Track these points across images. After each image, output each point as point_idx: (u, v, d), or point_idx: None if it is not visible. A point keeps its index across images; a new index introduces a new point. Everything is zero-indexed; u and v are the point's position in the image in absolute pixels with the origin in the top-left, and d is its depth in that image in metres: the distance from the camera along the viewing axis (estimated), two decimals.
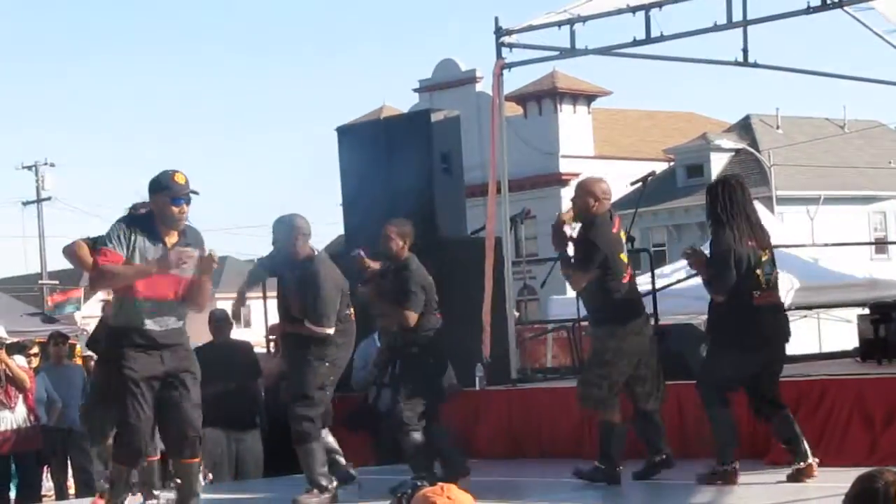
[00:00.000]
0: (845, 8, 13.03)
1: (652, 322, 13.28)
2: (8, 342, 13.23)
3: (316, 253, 8.96)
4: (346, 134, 13.51)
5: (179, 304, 7.70)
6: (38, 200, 47.39)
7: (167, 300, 7.63)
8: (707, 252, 9.12)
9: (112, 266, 7.59)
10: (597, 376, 9.11)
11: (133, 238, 7.61)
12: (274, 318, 10.47)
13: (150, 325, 7.58)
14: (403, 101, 52.90)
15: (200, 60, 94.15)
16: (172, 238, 7.68)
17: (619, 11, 12.33)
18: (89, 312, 40.47)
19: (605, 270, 9.13)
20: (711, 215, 8.92)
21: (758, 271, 8.84)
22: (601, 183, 9.31)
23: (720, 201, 8.87)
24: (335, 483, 8.77)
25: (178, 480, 7.70)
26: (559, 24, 12.56)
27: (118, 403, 7.60)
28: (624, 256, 9.34)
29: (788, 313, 17.90)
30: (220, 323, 11.55)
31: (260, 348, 13.74)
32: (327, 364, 8.82)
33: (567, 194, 40.69)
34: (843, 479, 3.76)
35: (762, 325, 8.86)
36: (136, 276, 7.55)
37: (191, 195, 7.66)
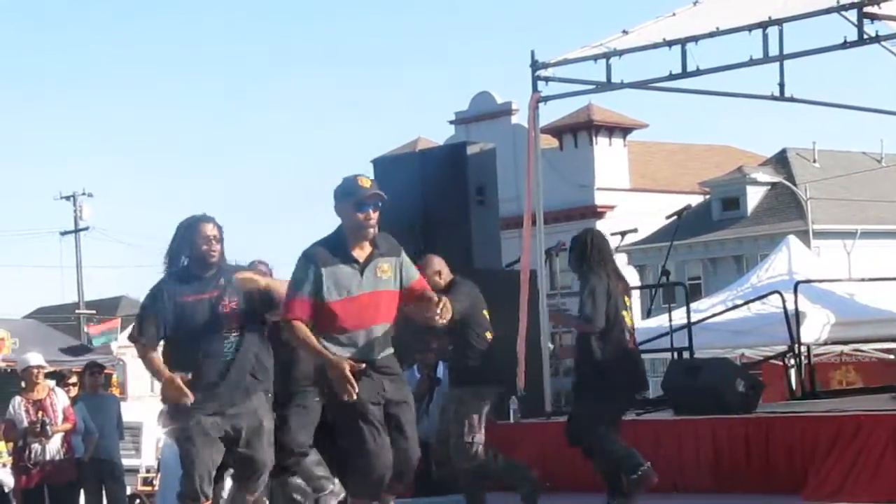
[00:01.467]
0: (882, 43, 13.01)
1: (685, 355, 13.30)
2: (47, 371, 13.32)
3: None
4: (382, 166, 13.55)
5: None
6: (76, 230, 47.63)
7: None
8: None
9: (300, 330, 7.05)
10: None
11: (317, 272, 7.02)
12: None
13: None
14: (439, 133, 53.03)
15: (238, 93, 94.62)
16: (364, 251, 7.11)
17: (655, 45, 12.36)
18: (125, 342, 40.61)
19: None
20: (582, 261, 9.24)
21: (624, 313, 9.26)
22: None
23: (588, 249, 9.24)
24: None
25: None
26: (595, 57, 12.59)
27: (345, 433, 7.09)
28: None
29: (826, 347, 17.86)
30: None
31: None
32: None
33: (603, 226, 40.68)
34: None
35: (638, 366, 9.46)
36: (312, 352, 7.11)
37: (378, 200, 7.14)
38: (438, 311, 7.08)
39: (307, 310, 7.00)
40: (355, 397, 6.83)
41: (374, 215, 7.07)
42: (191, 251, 7.56)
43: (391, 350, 7.19)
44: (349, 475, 7.13)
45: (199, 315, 7.47)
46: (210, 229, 7.57)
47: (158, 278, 7.63)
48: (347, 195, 7.08)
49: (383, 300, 7.09)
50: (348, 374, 6.78)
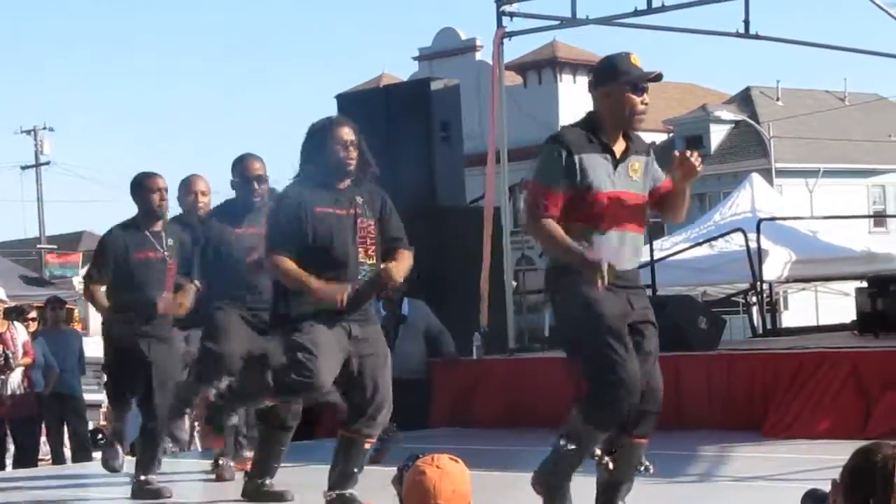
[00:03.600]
0: None
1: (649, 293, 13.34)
2: (7, 306, 13.25)
3: None
4: (346, 101, 13.49)
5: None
6: (37, 165, 47.28)
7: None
8: None
9: (553, 229, 5.79)
10: None
11: (570, 159, 5.79)
12: None
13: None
14: (403, 69, 52.71)
15: (199, 29, 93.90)
16: (620, 145, 5.98)
17: None
18: None
19: None
20: None
21: None
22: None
23: None
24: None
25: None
26: None
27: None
28: None
29: (787, 285, 17.96)
30: None
31: None
32: None
33: None
34: (837, 451, 3.76)
35: None
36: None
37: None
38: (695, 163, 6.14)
39: (559, 206, 5.82)
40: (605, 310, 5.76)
41: (647, 101, 6.04)
42: (326, 160, 6.71)
43: (639, 263, 6.24)
44: (588, 400, 5.93)
45: (337, 229, 6.66)
46: (346, 133, 6.75)
47: (285, 185, 6.89)
48: (619, 74, 5.90)
49: (633, 203, 6.01)
50: (605, 274, 5.63)
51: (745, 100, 48.34)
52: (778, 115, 46.05)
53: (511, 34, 12.61)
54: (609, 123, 5.96)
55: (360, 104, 13.31)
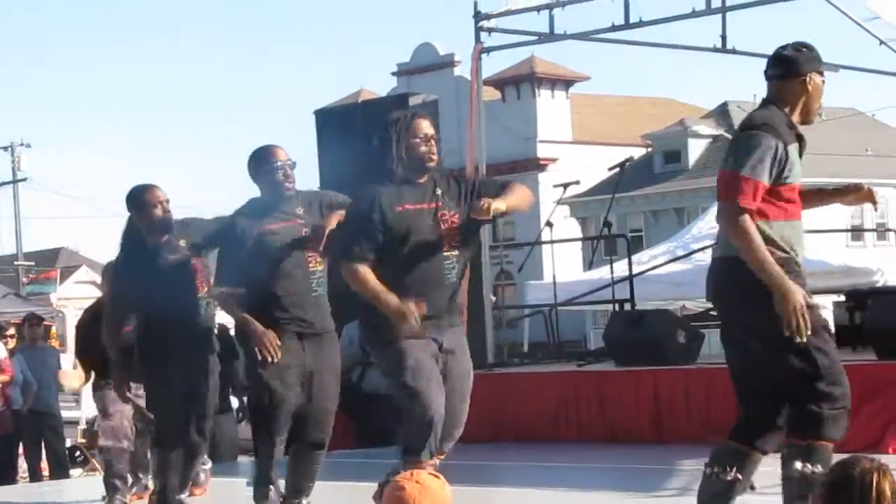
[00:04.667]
0: None
1: (627, 307, 13.36)
2: None
3: None
4: (325, 117, 13.49)
5: None
6: (14, 181, 47.14)
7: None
8: None
9: (749, 224, 5.60)
10: None
11: (777, 151, 5.67)
12: None
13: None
14: (381, 85, 52.81)
15: (176, 45, 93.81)
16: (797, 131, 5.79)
17: None
18: (65, 294, 40.34)
19: None
20: None
21: None
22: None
23: None
24: None
25: None
26: (538, 8, 12.58)
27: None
28: None
29: None
30: None
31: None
32: None
33: (545, 179, 40.79)
34: None
35: None
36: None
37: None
38: None
39: (759, 198, 5.66)
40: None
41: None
42: (405, 155, 6.36)
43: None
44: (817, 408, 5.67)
45: (419, 227, 6.26)
46: (426, 126, 6.44)
47: (366, 188, 6.46)
48: (820, 61, 5.81)
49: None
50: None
51: (722, 114, 48.51)
52: None
53: (489, 49, 12.64)
54: (801, 111, 5.87)
55: (338, 120, 13.31)
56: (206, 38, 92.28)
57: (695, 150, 46.81)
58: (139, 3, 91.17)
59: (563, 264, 16.08)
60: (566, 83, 50.52)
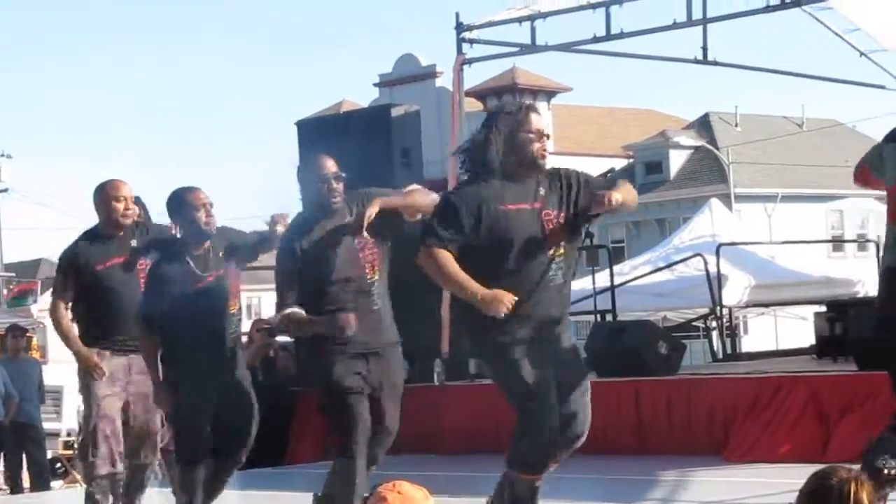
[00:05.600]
0: (804, 7, 13.11)
1: (608, 318, 13.38)
2: None
3: None
4: (307, 128, 13.48)
5: None
6: None
7: None
8: None
9: None
10: None
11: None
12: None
13: None
14: (363, 95, 52.81)
15: (157, 56, 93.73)
16: None
17: (580, 8, 12.40)
18: (46, 305, 40.20)
19: None
20: None
21: None
22: None
23: None
24: None
25: None
26: (520, 20, 12.62)
27: None
28: None
29: (747, 310, 18.05)
30: None
31: None
32: None
33: None
34: (796, 475, 3.79)
35: None
36: None
37: None
38: None
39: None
40: None
41: None
42: (515, 151, 5.97)
43: None
44: None
45: (522, 228, 5.94)
46: (539, 121, 6.05)
47: (463, 180, 6.12)
48: None
49: None
50: None
51: (704, 125, 48.60)
52: (737, 140, 46.32)
53: (471, 60, 12.68)
54: None
55: (320, 130, 13.30)
56: (186, 50, 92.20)
57: (676, 160, 46.89)
58: (118, 12, 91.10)
59: None
60: (548, 94, 50.56)
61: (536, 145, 5.94)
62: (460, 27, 12.55)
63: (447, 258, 5.84)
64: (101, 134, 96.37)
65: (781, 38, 71.97)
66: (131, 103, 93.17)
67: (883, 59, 15.46)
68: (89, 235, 7.44)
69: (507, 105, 6.10)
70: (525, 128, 5.92)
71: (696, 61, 13.28)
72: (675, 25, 12.24)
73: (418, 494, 4.00)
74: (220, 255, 7.04)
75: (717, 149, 45.45)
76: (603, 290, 13.47)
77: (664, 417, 10.26)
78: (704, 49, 13.05)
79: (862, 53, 15.26)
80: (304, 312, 6.29)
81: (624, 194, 5.97)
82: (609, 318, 13.41)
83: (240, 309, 7.08)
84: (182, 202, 7.00)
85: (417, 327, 11.62)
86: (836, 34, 14.98)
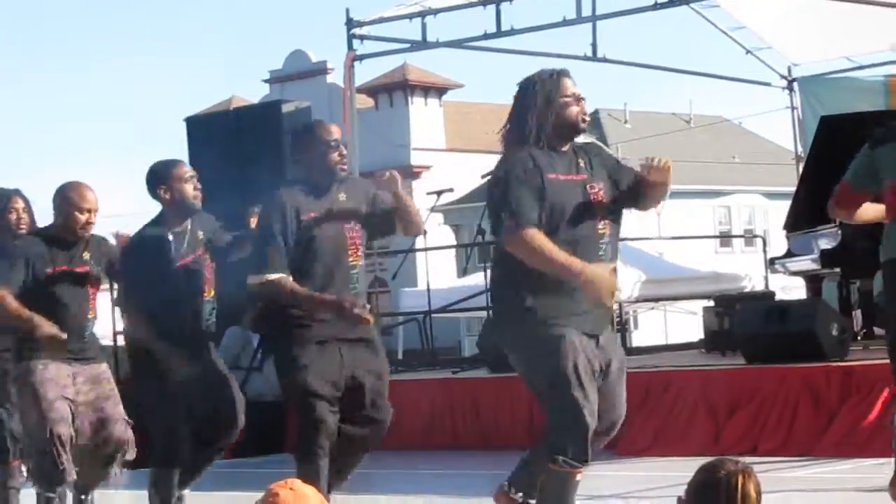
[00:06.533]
0: (691, 5, 13.30)
1: None
2: None
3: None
4: (196, 124, 13.36)
5: None
6: None
7: None
8: None
9: None
10: None
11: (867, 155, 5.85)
12: None
13: None
14: (253, 92, 52.53)
15: (55, 50, 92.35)
16: None
17: (471, 5, 12.44)
18: None
19: None
20: None
21: None
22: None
23: None
24: None
25: None
26: (410, 16, 12.63)
27: None
28: None
29: (636, 305, 18.25)
30: None
31: None
32: None
33: (418, 186, 40.83)
34: (690, 468, 3.82)
35: None
36: None
37: None
38: None
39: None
40: None
41: None
42: (553, 118, 5.67)
43: None
44: None
45: (572, 199, 5.57)
46: (574, 85, 5.77)
47: (514, 150, 5.74)
48: None
49: None
50: None
51: (593, 122, 49.03)
52: (626, 137, 46.79)
53: (362, 57, 12.67)
54: None
55: (210, 127, 13.19)
56: (73, 45, 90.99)
57: None
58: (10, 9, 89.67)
59: (438, 271, 16.13)
60: (439, 91, 50.67)
61: (575, 108, 5.68)
62: (351, 23, 12.53)
63: (544, 237, 5.38)
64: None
65: (670, 35, 72.76)
66: (22, 97, 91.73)
67: (768, 56, 15.71)
68: (43, 235, 6.98)
69: (541, 74, 5.74)
70: (562, 93, 5.65)
71: (585, 58, 13.38)
72: (565, 22, 12.32)
73: (310, 490, 4.02)
74: (200, 236, 6.76)
75: (607, 145, 45.82)
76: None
77: None
78: (594, 46, 13.16)
79: (748, 51, 15.48)
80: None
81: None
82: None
83: (214, 298, 6.76)
84: (167, 176, 6.74)
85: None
86: (723, 32, 15.19)
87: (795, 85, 15.94)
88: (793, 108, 16.04)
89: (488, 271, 13.72)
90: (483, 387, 10.96)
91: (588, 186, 5.57)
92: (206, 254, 6.74)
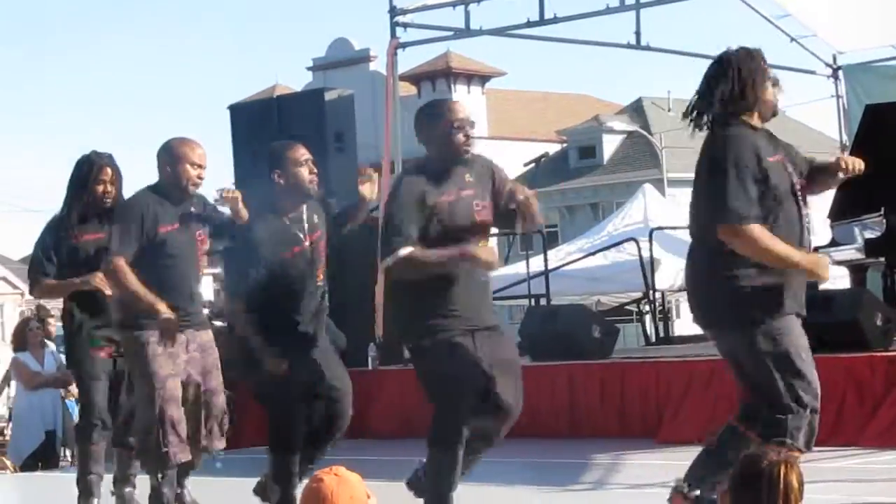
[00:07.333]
0: None
1: (542, 302, 13.41)
2: None
3: None
4: (239, 112, 13.42)
5: None
6: None
7: None
8: None
9: None
10: None
11: None
12: None
13: None
14: (296, 79, 52.72)
15: (93, 40, 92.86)
16: None
17: None
18: None
19: None
20: None
21: None
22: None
23: None
24: None
25: None
26: (454, 4, 12.61)
27: None
28: None
29: (679, 294, 18.16)
30: None
31: None
32: None
33: None
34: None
35: None
36: None
37: None
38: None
39: None
40: None
41: None
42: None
43: None
44: None
45: (786, 183, 5.63)
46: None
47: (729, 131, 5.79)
48: None
49: None
50: None
51: (637, 110, 48.85)
52: (669, 125, 46.56)
53: (405, 45, 12.65)
54: None
55: (253, 115, 13.24)
56: (119, 34, 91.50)
57: (609, 145, 47.09)
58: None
59: None
60: (482, 78, 50.63)
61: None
62: (394, 11, 12.52)
63: (765, 230, 5.29)
64: (34, 117, 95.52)
65: (713, 23, 72.38)
66: (65, 86, 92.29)
67: (813, 44, 15.59)
68: (153, 191, 6.75)
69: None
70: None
71: (629, 46, 13.33)
72: (609, 10, 12.28)
73: (354, 477, 4.05)
74: (315, 219, 6.69)
75: (651, 134, 45.69)
76: (537, 275, 13.50)
77: (597, 401, 10.30)
78: (637, 34, 13.10)
79: (792, 39, 15.37)
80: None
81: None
82: (543, 302, 13.45)
83: (325, 282, 6.67)
84: (282, 157, 6.63)
85: (352, 313, 11.65)
86: (768, 19, 15.08)
87: (840, 73, 15.82)
88: (838, 97, 15.92)
89: (530, 260, 13.74)
90: (524, 374, 10.91)
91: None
92: (320, 239, 6.66)
